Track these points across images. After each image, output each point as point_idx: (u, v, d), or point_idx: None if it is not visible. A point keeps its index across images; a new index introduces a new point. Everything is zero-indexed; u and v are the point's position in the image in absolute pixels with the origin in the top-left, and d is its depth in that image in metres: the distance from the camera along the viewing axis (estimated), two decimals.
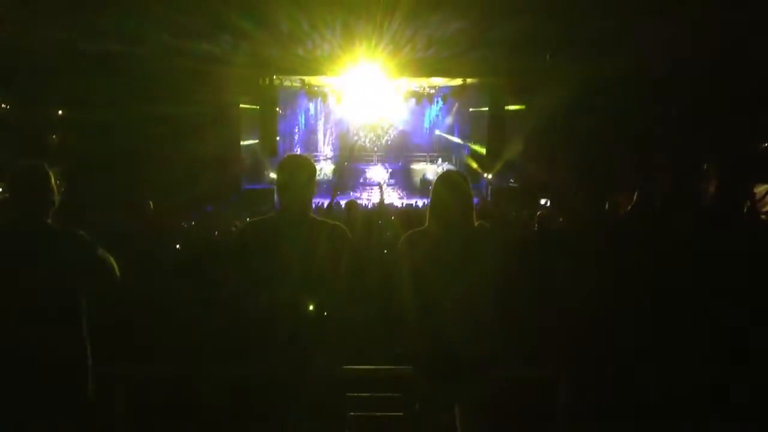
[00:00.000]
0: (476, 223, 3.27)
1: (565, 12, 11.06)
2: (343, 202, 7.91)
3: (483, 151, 19.31)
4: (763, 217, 5.79)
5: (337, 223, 3.35)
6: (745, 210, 5.88)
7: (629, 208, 5.08)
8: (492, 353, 3.14)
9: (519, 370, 3.85)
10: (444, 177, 3.35)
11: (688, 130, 12.60)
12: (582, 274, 4.18)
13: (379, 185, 9.09)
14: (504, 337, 3.22)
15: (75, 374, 3.09)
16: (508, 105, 17.21)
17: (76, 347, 3.10)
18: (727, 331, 3.94)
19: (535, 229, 6.43)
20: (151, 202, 6.36)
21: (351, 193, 19.68)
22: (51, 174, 3.14)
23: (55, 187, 3.16)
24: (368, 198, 19.44)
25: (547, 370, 3.99)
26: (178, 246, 6.33)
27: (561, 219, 5.77)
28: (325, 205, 10.26)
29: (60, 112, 14.08)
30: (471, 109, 21.05)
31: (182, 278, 5.34)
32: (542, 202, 15.10)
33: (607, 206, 5.94)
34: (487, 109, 18.71)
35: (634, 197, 4.95)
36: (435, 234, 3.23)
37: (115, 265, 3.25)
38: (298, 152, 20.58)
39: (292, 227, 3.17)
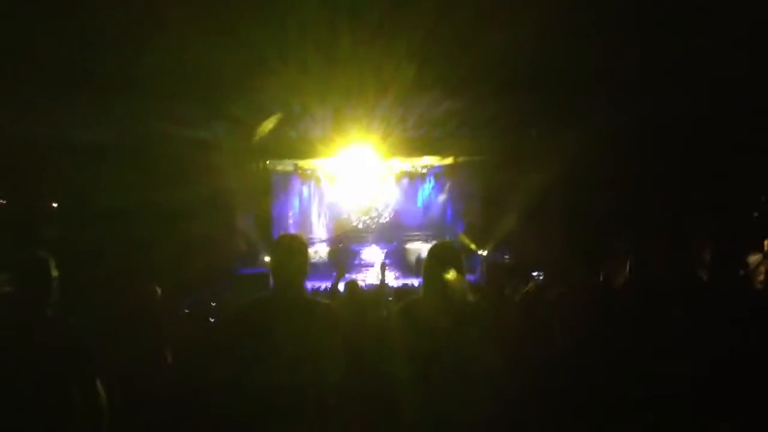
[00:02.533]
0: (471, 298, 3.28)
1: (549, 86, 11.28)
2: (341, 285, 7.85)
3: (476, 228, 19.37)
4: (758, 286, 5.77)
5: (330, 303, 3.35)
6: (739, 279, 5.87)
7: (623, 280, 5.08)
8: (484, 420, 3.08)
9: None
10: (435, 249, 3.37)
11: (680, 199, 12.70)
12: (576, 349, 4.15)
13: (382, 266, 9.05)
14: (495, 412, 3.16)
15: None
16: (499, 182, 17.37)
17: None
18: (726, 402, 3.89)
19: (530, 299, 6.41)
20: (158, 288, 6.32)
21: (347, 275, 19.61)
22: (52, 263, 3.15)
23: (55, 276, 3.16)
24: (364, 279, 19.35)
25: None
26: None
27: (556, 291, 5.77)
28: (326, 288, 10.22)
29: (55, 204, 14.16)
30: (463, 189, 21.24)
31: (178, 364, 5.28)
32: (534, 275, 15.06)
33: (601, 278, 5.92)
34: (478, 186, 18.89)
35: (627, 268, 4.94)
36: (429, 304, 3.22)
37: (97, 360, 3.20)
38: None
39: (285, 308, 3.16)
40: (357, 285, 7.45)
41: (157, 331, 5.58)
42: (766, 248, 6.26)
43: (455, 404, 3.03)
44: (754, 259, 5.91)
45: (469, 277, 3.25)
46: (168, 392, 4.83)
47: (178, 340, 6.08)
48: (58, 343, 3.06)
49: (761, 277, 5.74)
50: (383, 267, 9.50)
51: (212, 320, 7.87)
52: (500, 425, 3.26)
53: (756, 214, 11.71)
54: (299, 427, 3.07)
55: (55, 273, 3.17)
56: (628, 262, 4.92)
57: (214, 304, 10.10)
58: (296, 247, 3.30)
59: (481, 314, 3.27)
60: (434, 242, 3.56)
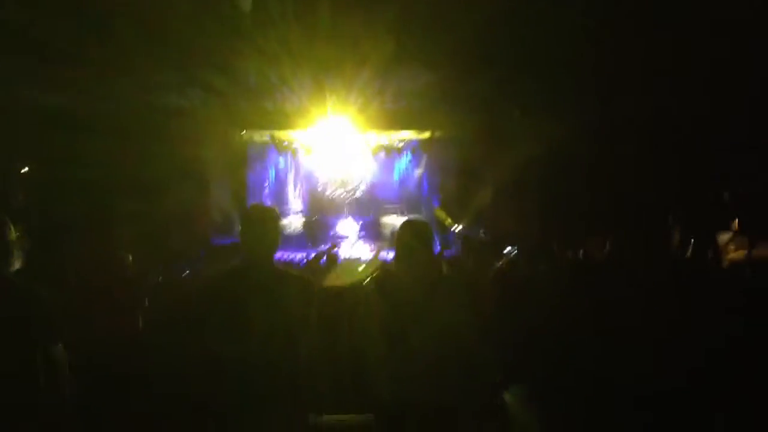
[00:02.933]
0: (444, 271, 3.27)
1: (535, 67, 11.26)
2: (312, 254, 7.79)
3: (452, 203, 19.39)
4: (726, 264, 5.85)
5: (303, 275, 3.32)
6: (709, 258, 5.94)
7: (604, 256, 5.11)
8: (455, 403, 3.07)
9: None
10: (407, 224, 3.36)
11: (655, 181, 12.80)
12: (553, 321, 4.16)
13: (328, 250, 8.84)
14: (468, 388, 3.16)
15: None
16: (477, 157, 17.36)
17: (32, 401, 2.98)
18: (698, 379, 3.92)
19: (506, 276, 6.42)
20: (129, 256, 6.25)
21: (322, 246, 19.57)
22: (10, 226, 3.07)
23: (13, 239, 3.08)
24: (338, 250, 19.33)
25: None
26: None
27: (532, 267, 5.79)
28: (300, 259, 10.16)
29: (25, 169, 13.92)
30: (440, 163, 21.20)
31: (151, 334, 5.24)
32: (507, 249, 15.12)
33: (581, 254, 5.97)
34: (456, 161, 18.87)
35: (607, 246, 4.98)
36: (402, 278, 3.20)
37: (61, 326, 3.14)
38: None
39: (257, 277, 3.12)
40: (337, 257, 7.43)
41: (129, 301, 5.52)
42: (734, 228, 6.34)
43: (429, 381, 3.02)
44: (723, 237, 5.98)
45: (445, 252, 3.23)
46: (139, 363, 4.80)
47: (150, 309, 6.04)
48: (24, 312, 3.00)
49: (730, 255, 5.82)
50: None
51: (185, 290, 7.82)
52: (475, 400, 3.27)
53: (726, 195, 11.84)
54: (273, 400, 3.05)
55: (13, 235, 3.10)
56: (606, 241, 4.95)
57: (188, 272, 10.07)
58: (267, 217, 3.25)
59: (455, 289, 3.25)
60: (405, 219, 3.55)
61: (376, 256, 16.50)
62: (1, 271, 2.99)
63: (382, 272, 3.35)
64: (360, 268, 8.77)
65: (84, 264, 5.91)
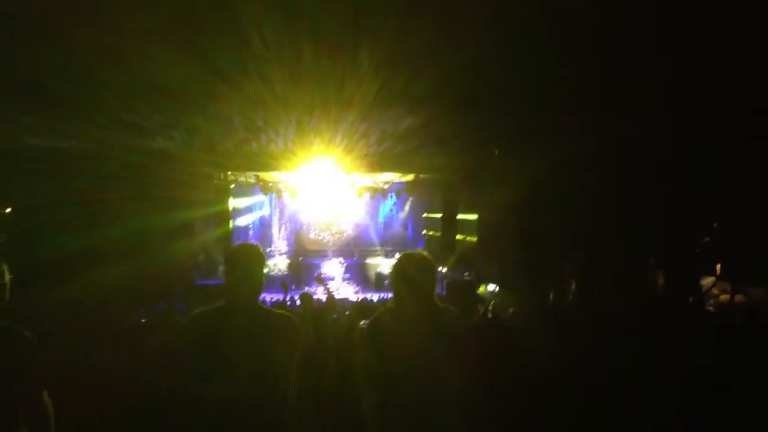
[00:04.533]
0: (442, 305, 3.26)
1: (514, 107, 11.40)
2: (297, 296, 7.79)
3: (437, 244, 19.48)
4: (709, 308, 5.89)
5: (287, 314, 3.30)
6: (690, 302, 6.00)
7: (570, 298, 5.17)
8: None
9: None
10: (409, 256, 3.30)
11: (635, 224, 12.90)
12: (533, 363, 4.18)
13: (318, 278, 8.89)
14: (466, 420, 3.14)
15: None
16: (460, 199, 17.49)
17: None
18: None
19: (489, 317, 6.45)
20: (99, 297, 6.22)
21: (306, 288, 19.53)
22: (4, 268, 3.08)
23: (7, 282, 3.09)
24: (323, 293, 19.31)
25: None
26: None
27: (511, 309, 5.81)
28: (284, 300, 10.14)
29: (7, 210, 13.86)
30: (424, 215, 21.36)
31: (131, 375, 5.20)
32: (490, 288, 15.18)
33: (551, 297, 6.01)
34: (439, 203, 19.01)
35: (572, 288, 5.04)
36: (397, 318, 3.17)
37: (45, 370, 3.12)
38: None
39: (240, 318, 3.11)
40: (311, 297, 7.38)
41: (114, 341, 5.50)
42: (718, 272, 6.41)
43: (418, 423, 3.00)
44: (706, 282, 6.05)
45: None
46: (124, 403, 4.75)
47: (135, 350, 6.00)
48: (9, 353, 2.98)
49: (713, 299, 5.86)
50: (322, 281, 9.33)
51: (168, 331, 7.76)
52: None
53: (707, 239, 11.94)
54: None
55: (7, 277, 3.10)
56: (574, 284, 5.01)
57: (171, 315, 10.00)
58: (252, 256, 3.24)
59: (450, 330, 3.23)
60: (403, 252, 3.49)
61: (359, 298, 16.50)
62: None
63: (375, 316, 3.32)
64: (344, 310, 8.75)
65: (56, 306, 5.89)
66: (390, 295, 3.37)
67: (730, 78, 9.33)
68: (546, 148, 12.86)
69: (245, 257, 3.23)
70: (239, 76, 9.62)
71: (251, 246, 3.38)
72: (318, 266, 22.32)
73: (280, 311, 3.30)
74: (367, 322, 3.33)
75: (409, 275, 3.20)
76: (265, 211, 23.28)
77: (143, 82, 9.78)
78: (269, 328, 3.16)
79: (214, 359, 3.01)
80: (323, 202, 21.75)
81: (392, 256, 22.74)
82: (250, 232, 22.75)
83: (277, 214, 23.56)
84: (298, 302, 10.30)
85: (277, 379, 3.09)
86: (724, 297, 5.81)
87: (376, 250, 23.37)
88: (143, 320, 9.27)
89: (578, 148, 12.46)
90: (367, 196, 21.42)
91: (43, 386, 3.07)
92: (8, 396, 2.95)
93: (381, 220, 24.08)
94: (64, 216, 12.18)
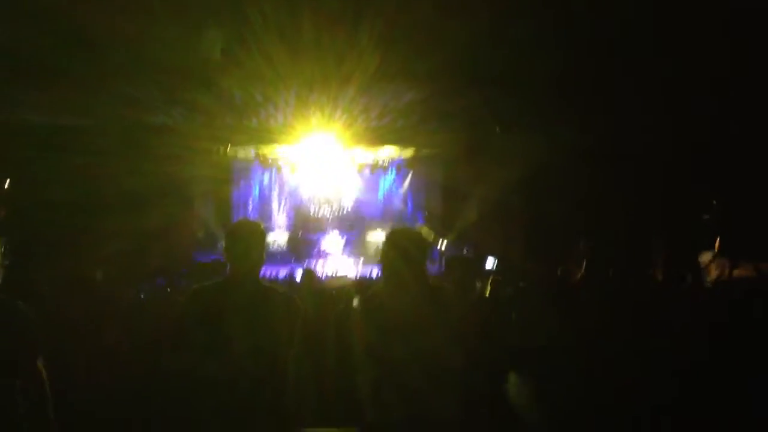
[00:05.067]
0: (432, 284, 3.22)
1: (517, 85, 11.34)
2: (299, 272, 7.79)
3: (436, 220, 19.48)
4: (707, 285, 5.88)
5: (287, 291, 3.28)
6: (689, 279, 5.98)
7: (580, 276, 5.14)
8: (456, 417, 3.03)
9: None
10: (399, 231, 3.27)
11: (637, 201, 12.89)
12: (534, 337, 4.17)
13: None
14: (466, 401, 3.12)
15: None
16: (461, 175, 17.43)
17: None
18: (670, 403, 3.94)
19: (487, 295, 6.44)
20: (99, 272, 6.20)
21: (305, 263, 19.55)
22: None
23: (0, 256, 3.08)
24: (323, 267, 19.34)
25: None
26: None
27: (509, 288, 5.80)
28: (284, 276, 10.14)
29: (6, 185, 13.82)
30: (424, 181, 21.28)
31: (130, 352, 5.20)
32: (488, 264, 15.18)
33: (559, 273, 5.98)
34: (440, 178, 18.99)
35: (583, 266, 5.01)
36: (389, 294, 3.14)
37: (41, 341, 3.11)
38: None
39: (240, 294, 3.08)
40: (314, 274, 7.36)
41: (99, 317, 5.48)
42: (717, 248, 6.38)
43: (417, 403, 2.97)
44: (705, 258, 6.03)
45: (429, 269, 3.18)
46: (122, 379, 4.76)
47: (133, 327, 6.00)
48: (4, 322, 2.97)
49: (712, 276, 5.85)
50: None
51: (167, 306, 7.76)
52: (463, 424, 3.22)
53: (707, 216, 11.93)
54: (256, 419, 3.02)
55: (0, 250, 3.08)
56: (584, 261, 4.97)
57: (169, 291, 10.01)
58: (253, 232, 3.22)
59: (444, 308, 3.19)
60: (392, 228, 3.44)
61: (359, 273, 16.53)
62: None
63: (369, 295, 3.29)
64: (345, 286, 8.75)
65: (57, 281, 5.87)
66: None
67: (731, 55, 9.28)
68: (548, 126, 12.82)
69: (246, 233, 3.21)
70: (239, 49, 9.56)
71: (252, 222, 3.36)
72: (317, 241, 22.31)
73: (280, 288, 3.28)
74: (359, 301, 3.28)
75: (399, 251, 3.15)
76: (265, 186, 23.22)
77: (143, 57, 9.72)
78: (269, 306, 3.14)
79: (213, 336, 3.00)
80: (323, 177, 21.68)
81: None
82: (250, 208, 22.71)
83: (277, 188, 23.50)
84: (297, 278, 10.31)
85: (276, 357, 3.08)
86: (722, 273, 5.79)
87: (376, 225, 23.36)
88: (142, 296, 9.28)
89: (580, 128, 12.42)
90: (367, 171, 21.36)
91: (37, 353, 3.06)
92: (3, 363, 2.94)
93: (381, 195, 24.03)
94: (63, 192, 12.14)
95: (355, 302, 3.28)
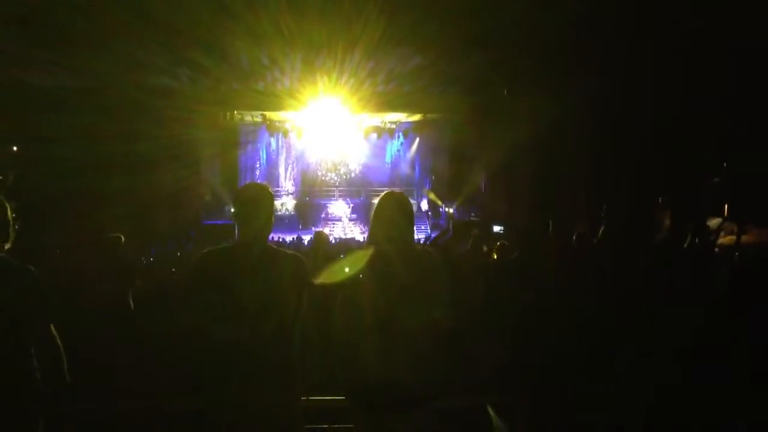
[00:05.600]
0: (419, 249, 3.23)
1: (522, 47, 11.24)
2: (306, 237, 7.80)
3: (444, 184, 19.48)
4: (716, 249, 5.87)
5: (296, 253, 3.28)
6: (697, 242, 5.97)
7: (596, 240, 5.14)
8: (436, 383, 3.04)
9: (463, 400, 3.78)
10: (388, 195, 3.26)
11: (644, 163, 12.83)
12: (540, 304, 4.17)
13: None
14: (449, 367, 3.13)
15: (22, 401, 2.98)
16: (468, 139, 17.37)
17: (20, 378, 2.99)
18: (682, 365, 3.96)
19: (494, 258, 6.45)
20: (122, 237, 6.21)
21: (313, 229, 19.62)
22: (7, 206, 3.06)
23: (10, 219, 3.08)
24: (330, 232, 19.40)
25: (493, 398, 3.94)
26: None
27: (516, 252, 5.82)
28: (291, 240, 10.16)
29: (15, 148, 13.84)
30: (431, 145, 21.22)
31: (141, 314, 5.25)
32: (495, 229, 15.22)
33: (572, 237, 5.98)
34: (447, 143, 18.94)
35: (600, 231, 5.01)
36: (377, 253, 3.14)
37: (53, 305, 3.14)
38: None
39: (250, 257, 3.08)
40: (326, 236, 7.32)
41: (121, 280, 5.52)
42: (726, 213, 6.37)
43: (406, 362, 2.98)
44: (713, 222, 6.00)
45: (435, 233, 3.18)
46: (131, 341, 4.80)
47: (143, 289, 6.04)
48: (16, 290, 3.00)
49: (721, 240, 5.84)
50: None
51: (175, 270, 7.82)
52: (453, 384, 3.24)
53: (716, 179, 11.86)
54: (263, 380, 3.04)
55: (10, 216, 3.08)
56: (601, 224, 4.97)
57: (179, 254, 10.07)
58: (261, 196, 3.20)
59: (428, 272, 3.18)
60: (385, 192, 3.43)
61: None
62: None
63: (374, 252, 3.28)
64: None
65: (74, 244, 5.89)
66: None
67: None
68: (556, 89, 12.72)
69: (254, 197, 3.19)
70: (245, 12, 9.48)
71: (260, 185, 3.33)
72: (325, 206, 22.36)
73: (288, 251, 3.27)
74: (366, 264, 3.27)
75: (386, 215, 3.15)
76: (272, 151, 23.18)
77: (149, 19, 9.65)
78: (277, 268, 3.13)
79: (223, 299, 3.00)
80: (330, 142, 21.63)
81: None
82: (257, 172, 22.73)
83: (284, 153, 23.48)
84: (305, 242, 10.33)
85: (284, 318, 3.09)
86: (731, 238, 5.77)
87: (383, 190, 23.33)
88: (151, 259, 9.34)
89: (588, 90, 12.32)
90: (374, 136, 21.29)
91: (49, 319, 3.09)
92: (15, 328, 2.97)
93: (388, 160, 23.99)
94: (71, 154, 12.14)
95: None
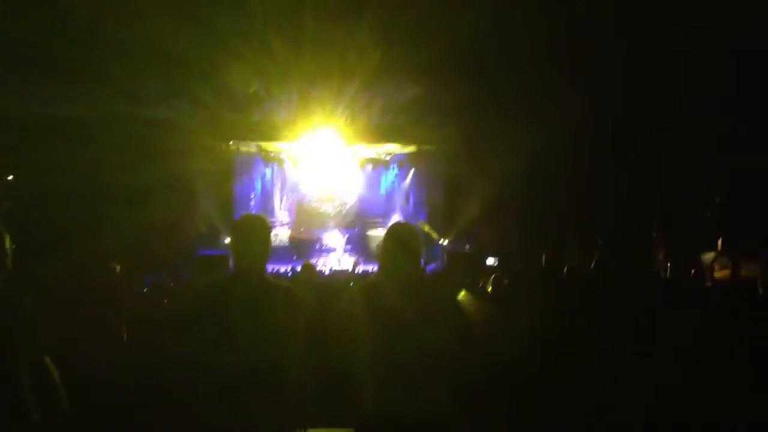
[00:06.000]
0: (426, 279, 3.25)
1: (514, 77, 11.35)
2: (299, 267, 7.81)
3: (438, 216, 19.51)
4: (709, 284, 5.91)
5: (289, 285, 3.30)
6: (692, 276, 6.01)
7: (587, 272, 5.18)
8: (440, 418, 3.03)
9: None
10: (393, 229, 3.28)
11: (638, 196, 12.90)
12: (536, 335, 4.20)
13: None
14: (453, 401, 3.13)
15: None
16: (461, 171, 17.44)
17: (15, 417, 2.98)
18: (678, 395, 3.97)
19: (489, 291, 6.47)
20: (118, 266, 6.19)
21: (309, 260, 19.57)
22: (5, 235, 3.08)
23: (9, 250, 3.09)
24: (324, 264, 19.37)
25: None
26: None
27: (507, 282, 5.83)
28: (285, 271, 10.16)
29: (10, 177, 13.85)
30: (426, 177, 21.31)
31: (135, 343, 5.23)
32: (489, 261, 15.24)
33: (564, 268, 6.02)
34: (442, 175, 19.02)
35: (593, 262, 5.05)
36: (384, 286, 3.15)
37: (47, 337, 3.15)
38: None
39: (245, 289, 3.10)
40: (314, 268, 7.34)
41: (116, 310, 5.50)
42: (719, 247, 6.42)
43: (415, 394, 2.98)
44: (707, 256, 6.04)
45: (430, 266, 3.18)
46: (125, 372, 4.78)
47: (136, 320, 6.02)
48: (8, 321, 3.00)
49: (715, 274, 5.87)
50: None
51: (169, 301, 7.79)
52: (461, 414, 3.24)
53: (709, 214, 11.92)
54: (258, 412, 3.04)
55: (8, 245, 3.09)
56: (589, 257, 5.01)
57: (172, 285, 10.03)
58: (258, 227, 3.23)
59: (441, 301, 3.21)
60: (392, 223, 3.48)
61: (359, 269, 16.56)
62: None
63: (367, 282, 3.31)
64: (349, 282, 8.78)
65: (69, 273, 5.88)
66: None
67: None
68: (548, 117, 12.81)
69: (251, 228, 3.22)
70: (241, 44, 9.58)
71: (257, 217, 3.36)
72: (319, 237, 22.33)
73: (283, 282, 3.30)
74: (357, 289, 3.30)
75: (396, 244, 3.19)
76: (267, 181, 23.21)
77: (146, 50, 9.74)
78: (272, 300, 3.16)
79: (218, 330, 3.02)
80: (325, 172, 21.70)
81: None
82: (252, 203, 22.73)
83: (279, 184, 23.49)
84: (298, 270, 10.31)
85: (279, 351, 3.10)
86: (725, 272, 5.81)
87: (378, 222, 23.36)
88: (145, 290, 9.31)
89: (579, 117, 12.41)
90: (369, 167, 21.38)
91: (44, 353, 3.09)
92: (10, 364, 2.97)
93: (382, 191, 24.02)
94: (67, 184, 12.15)
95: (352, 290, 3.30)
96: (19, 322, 3.03)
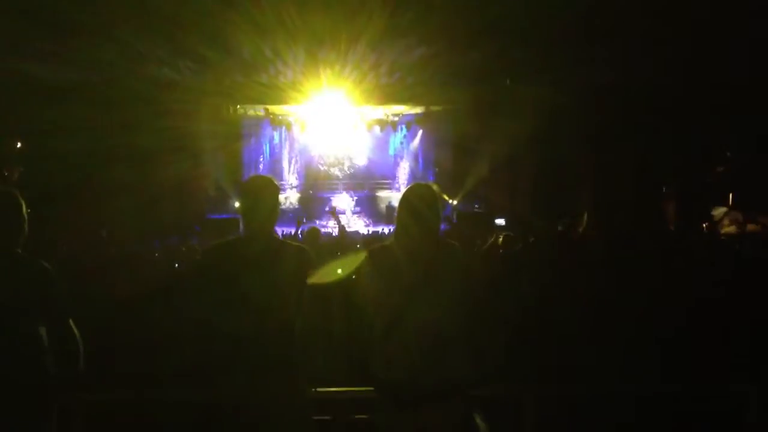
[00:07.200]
0: (442, 241, 3.21)
1: (526, 37, 11.22)
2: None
3: (448, 176, 19.45)
4: (721, 238, 5.88)
5: (302, 245, 3.29)
6: (702, 231, 5.99)
7: (597, 229, 5.17)
8: (457, 378, 3.03)
9: (484, 390, 3.78)
10: (415, 188, 3.23)
11: (649, 153, 12.81)
12: (547, 292, 4.19)
13: (332, 211, 8.83)
14: (470, 360, 3.12)
15: (34, 396, 3.01)
16: (471, 131, 17.34)
17: (34, 374, 3.02)
18: (684, 349, 3.97)
19: (500, 251, 6.46)
20: (104, 231, 6.23)
21: (317, 222, 19.61)
22: (22, 202, 3.08)
23: (26, 216, 3.10)
24: (334, 226, 19.42)
25: (514, 388, 3.95)
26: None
27: (520, 244, 5.82)
28: (292, 234, 10.17)
29: (18, 143, 13.84)
30: (435, 138, 21.21)
31: (146, 306, 5.26)
32: (499, 222, 15.23)
33: (575, 227, 5.99)
34: (451, 135, 18.91)
35: (585, 219, 5.02)
36: (399, 249, 3.13)
37: (68, 299, 3.17)
38: None
39: (255, 250, 3.09)
40: (319, 232, 7.32)
41: (126, 273, 5.54)
42: (730, 202, 6.38)
43: (426, 358, 2.98)
44: (718, 212, 6.01)
45: (442, 227, 3.15)
46: (139, 336, 4.82)
47: (148, 283, 6.05)
48: (31, 283, 3.02)
49: (725, 229, 5.85)
50: (336, 215, 9.24)
51: (180, 264, 7.83)
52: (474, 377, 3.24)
53: (721, 169, 11.84)
54: (266, 371, 3.05)
55: (25, 210, 3.10)
56: (587, 215, 4.99)
57: (184, 249, 10.06)
58: (267, 188, 3.21)
59: (454, 260, 3.18)
60: (411, 184, 3.42)
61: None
62: (13, 247, 3.01)
63: (379, 246, 3.29)
64: (354, 244, 8.78)
65: (73, 237, 5.91)
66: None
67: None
68: (560, 79, 12.69)
69: (259, 189, 3.19)
70: (248, 3, 9.47)
71: (265, 177, 3.33)
72: (329, 199, 22.35)
73: (293, 242, 3.28)
74: (367, 254, 3.27)
75: (414, 208, 3.14)
76: (275, 145, 23.16)
77: (151, 10, 9.65)
78: (282, 260, 3.14)
79: (228, 291, 3.02)
80: (333, 135, 21.63)
81: (402, 189, 22.66)
82: (260, 166, 22.72)
83: (287, 147, 23.44)
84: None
85: (288, 311, 3.10)
86: (736, 227, 5.79)
87: (387, 183, 23.35)
88: (156, 254, 9.35)
89: (592, 79, 12.30)
90: (377, 128, 21.29)
91: (67, 315, 3.11)
92: (34, 326, 3.00)
93: (391, 153, 23.96)
94: (73, 147, 12.12)
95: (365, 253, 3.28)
96: (44, 287, 3.05)
